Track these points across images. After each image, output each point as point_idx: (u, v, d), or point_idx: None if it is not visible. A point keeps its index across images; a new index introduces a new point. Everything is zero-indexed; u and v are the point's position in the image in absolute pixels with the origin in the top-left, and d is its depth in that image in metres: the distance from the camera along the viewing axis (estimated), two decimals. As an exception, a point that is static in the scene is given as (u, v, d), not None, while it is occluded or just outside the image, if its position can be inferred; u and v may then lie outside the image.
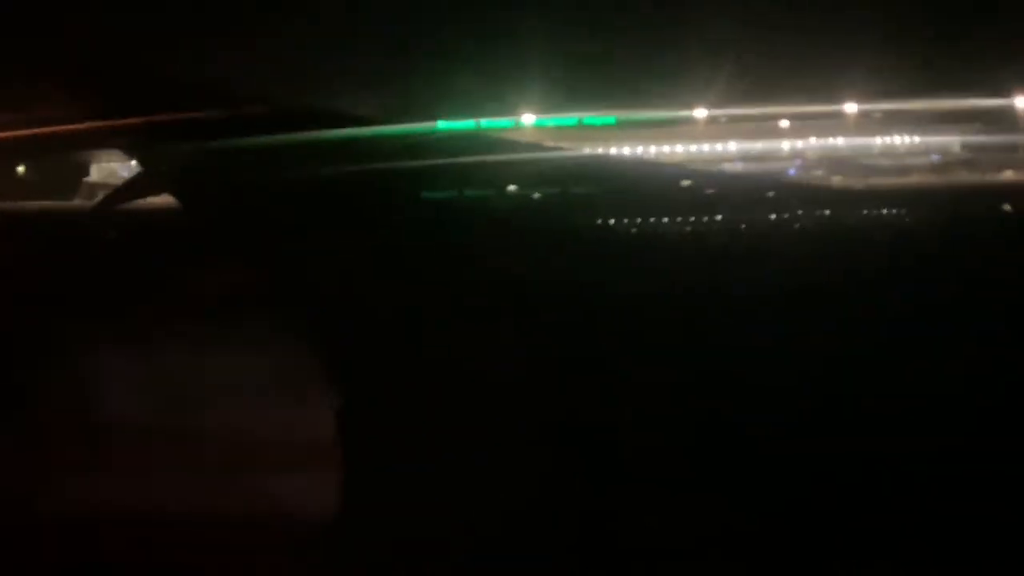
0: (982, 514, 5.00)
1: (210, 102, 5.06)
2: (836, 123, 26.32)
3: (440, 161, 5.39)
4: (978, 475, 5.30)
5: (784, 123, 27.11)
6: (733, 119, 25.59)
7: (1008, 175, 25.64)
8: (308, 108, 5.56)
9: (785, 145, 28.15)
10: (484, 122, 15.56)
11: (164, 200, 5.59)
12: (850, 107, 22.78)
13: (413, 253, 5.92)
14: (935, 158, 29.30)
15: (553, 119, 18.58)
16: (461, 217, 6.24)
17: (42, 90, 6.20)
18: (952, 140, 28.89)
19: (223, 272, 6.97)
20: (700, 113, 22.44)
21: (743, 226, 8.23)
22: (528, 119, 15.89)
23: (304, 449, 5.78)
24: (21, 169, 19.35)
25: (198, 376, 6.46)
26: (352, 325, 6.11)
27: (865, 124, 26.93)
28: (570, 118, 18.91)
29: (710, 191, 7.10)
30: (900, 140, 29.32)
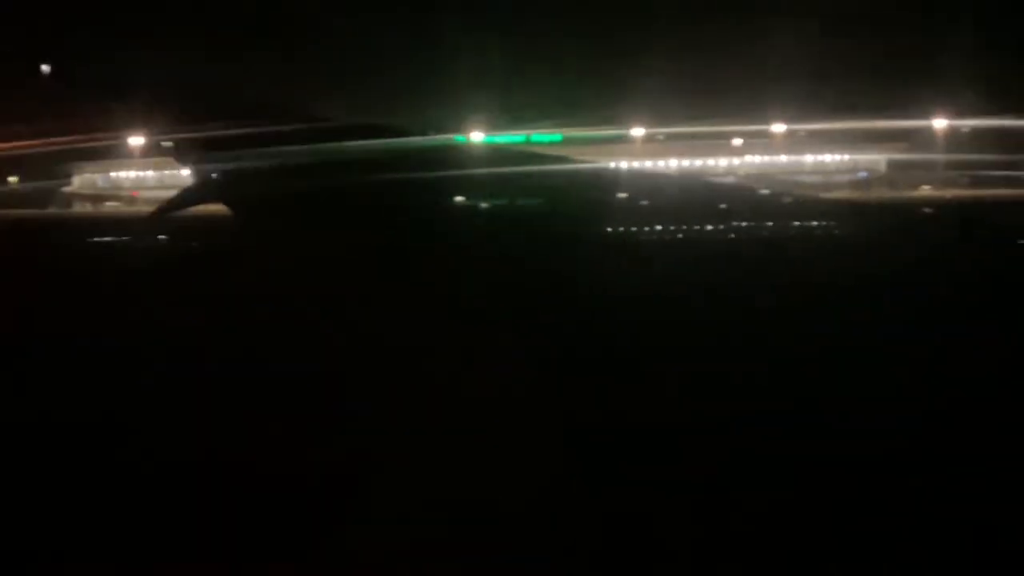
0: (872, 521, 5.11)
1: (256, 118, 5.66)
2: (768, 142, 27.53)
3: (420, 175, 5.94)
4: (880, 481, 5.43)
5: (720, 142, 28.36)
6: (671, 137, 26.82)
7: (926, 190, 27.11)
8: (338, 123, 6.14)
9: (721, 162, 29.37)
10: (435, 139, 16.54)
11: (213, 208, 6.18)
12: (778, 127, 24.01)
13: (413, 252, 6.37)
14: (862, 175, 30.69)
15: (502, 136, 19.60)
16: (440, 223, 6.59)
17: (112, 108, 6.94)
18: (879, 158, 30.33)
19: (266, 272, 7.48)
20: (639, 132, 23.60)
21: (679, 236, 8.84)
22: (477, 136, 16.93)
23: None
24: (14, 180, 20.10)
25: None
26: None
27: (793, 143, 28.19)
28: (519, 136, 19.94)
29: (646, 203, 7.55)
30: (828, 158, 30.66)
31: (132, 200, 22.45)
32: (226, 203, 6.45)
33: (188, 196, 6.62)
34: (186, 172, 6.77)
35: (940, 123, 22.96)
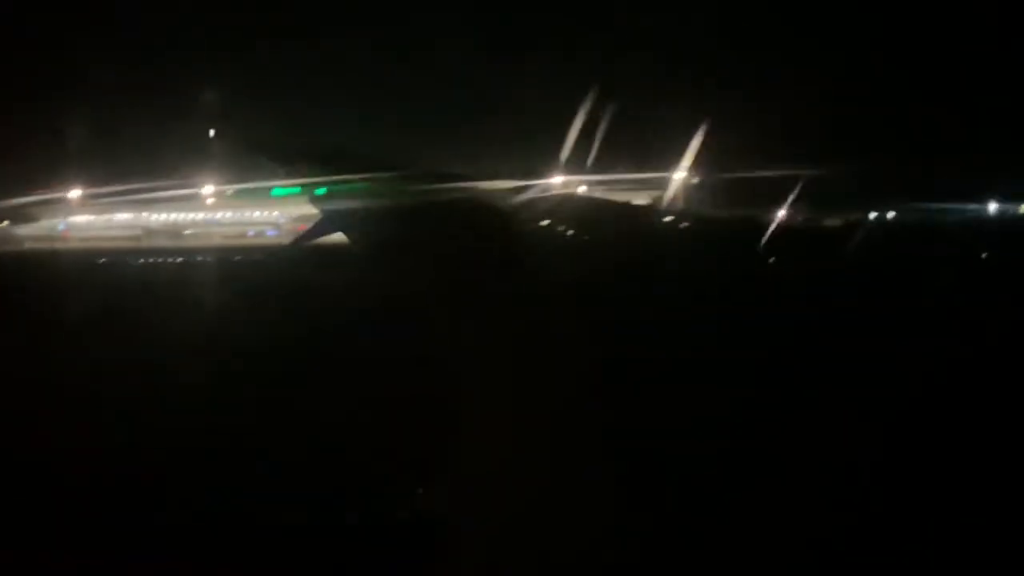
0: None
1: (365, 168, 6.96)
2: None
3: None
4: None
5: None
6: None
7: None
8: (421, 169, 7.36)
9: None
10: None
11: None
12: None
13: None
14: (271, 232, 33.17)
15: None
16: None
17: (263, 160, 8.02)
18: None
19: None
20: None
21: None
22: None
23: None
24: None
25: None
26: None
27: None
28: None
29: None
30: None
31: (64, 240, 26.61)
32: (346, 235, 7.72)
33: (319, 230, 7.90)
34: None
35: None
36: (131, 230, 28.92)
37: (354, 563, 6.46)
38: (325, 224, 8.04)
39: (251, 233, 31.38)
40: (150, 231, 29.42)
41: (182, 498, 7.53)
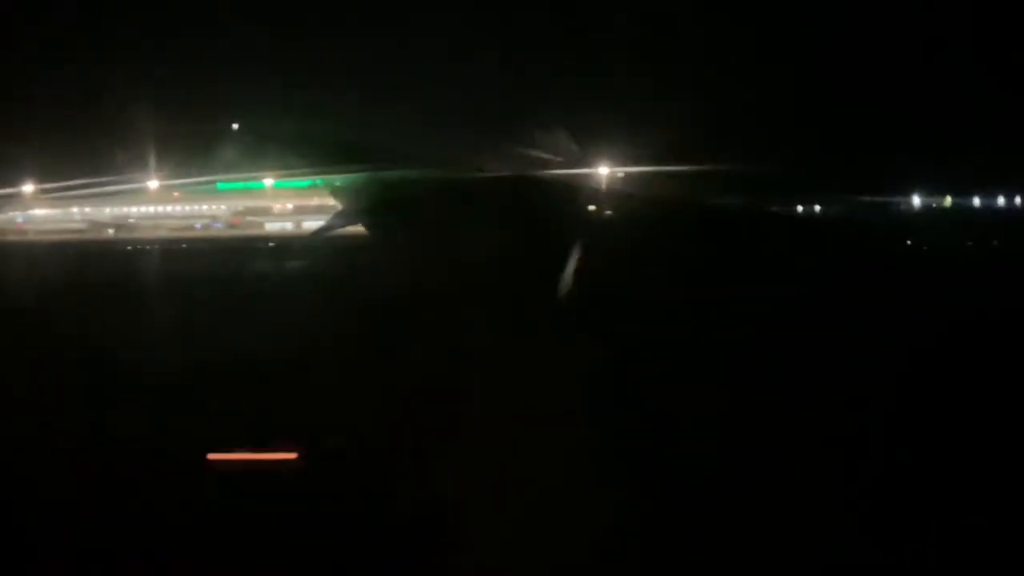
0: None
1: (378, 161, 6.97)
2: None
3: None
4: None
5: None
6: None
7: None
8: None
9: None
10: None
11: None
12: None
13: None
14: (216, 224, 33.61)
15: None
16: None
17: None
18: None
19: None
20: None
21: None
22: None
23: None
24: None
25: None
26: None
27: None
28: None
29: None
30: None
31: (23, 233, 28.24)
32: (364, 226, 8.07)
33: (338, 221, 8.30)
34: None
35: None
36: (84, 223, 29.53)
37: (355, 563, 6.41)
38: (343, 216, 8.50)
39: (198, 226, 32.13)
40: (102, 224, 30.01)
41: (176, 497, 7.37)
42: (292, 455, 8.47)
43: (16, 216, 28.53)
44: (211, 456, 8.45)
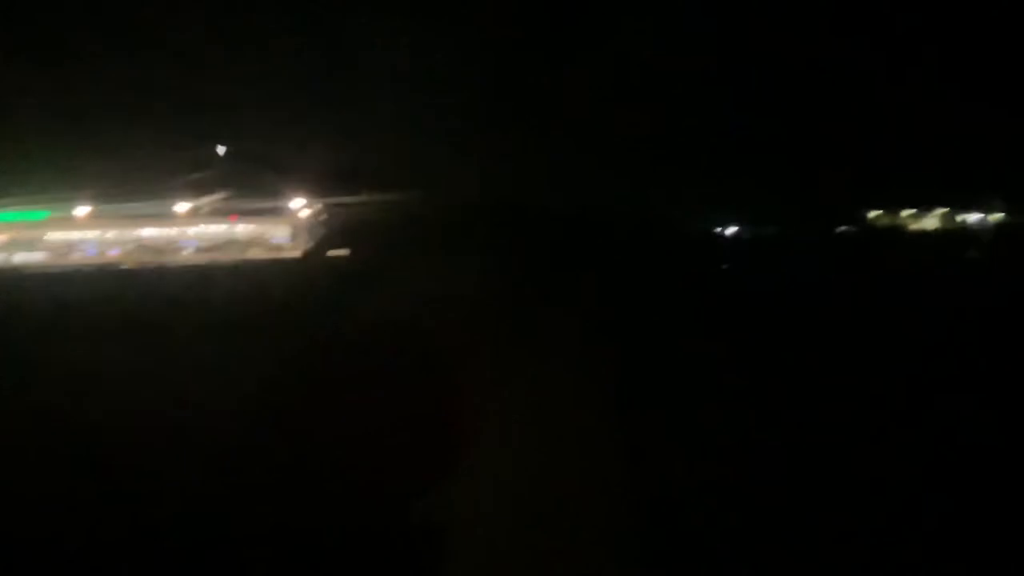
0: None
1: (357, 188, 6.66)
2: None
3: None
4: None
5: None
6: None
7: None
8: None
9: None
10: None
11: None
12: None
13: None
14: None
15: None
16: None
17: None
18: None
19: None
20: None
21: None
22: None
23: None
24: None
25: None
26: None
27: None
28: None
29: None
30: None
31: None
32: (348, 248, 7.65)
33: (328, 242, 8.25)
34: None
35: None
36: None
37: (357, 569, 6.18)
38: (333, 238, 8.32)
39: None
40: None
41: (180, 502, 7.03)
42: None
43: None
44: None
